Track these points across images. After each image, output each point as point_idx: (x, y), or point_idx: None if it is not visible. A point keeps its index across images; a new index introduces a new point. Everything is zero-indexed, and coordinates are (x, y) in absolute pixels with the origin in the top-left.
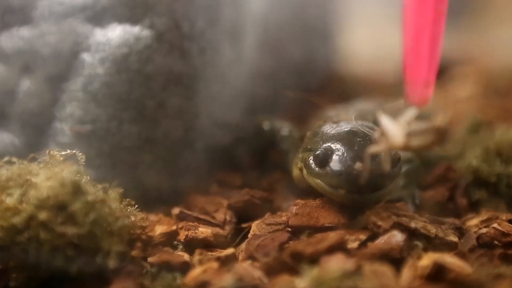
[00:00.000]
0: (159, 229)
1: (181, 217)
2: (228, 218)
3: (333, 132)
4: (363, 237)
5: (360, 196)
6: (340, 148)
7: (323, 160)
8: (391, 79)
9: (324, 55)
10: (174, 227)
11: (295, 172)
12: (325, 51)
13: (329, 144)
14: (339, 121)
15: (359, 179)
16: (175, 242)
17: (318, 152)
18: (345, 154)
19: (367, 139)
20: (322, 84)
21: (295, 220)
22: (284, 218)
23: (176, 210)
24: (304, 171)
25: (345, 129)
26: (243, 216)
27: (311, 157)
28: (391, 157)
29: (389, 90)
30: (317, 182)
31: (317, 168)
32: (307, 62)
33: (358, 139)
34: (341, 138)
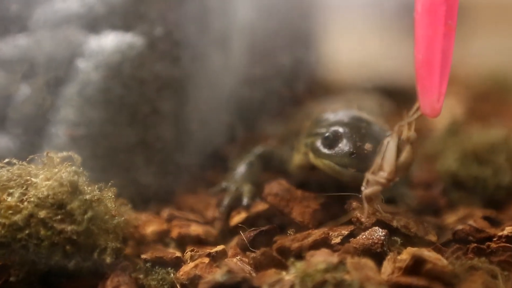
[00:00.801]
0: (151, 228)
1: (170, 219)
2: (216, 216)
3: (337, 117)
4: (345, 232)
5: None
6: (348, 130)
7: (333, 141)
8: (372, 85)
9: (309, 62)
10: (165, 226)
11: (298, 158)
12: (309, 58)
13: (337, 127)
14: (337, 110)
15: (368, 159)
16: (167, 240)
17: (327, 134)
18: (354, 136)
19: (370, 124)
20: (306, 89)
21: (272, 199)
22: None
23: (165, 213)
24: (310, 154)
25: (349, 115)
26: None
27: (319, 140)
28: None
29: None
30: (326, 163)
31: (326, 150)
32: (292, 68)
33: (363, 123)
34: (347, 122)
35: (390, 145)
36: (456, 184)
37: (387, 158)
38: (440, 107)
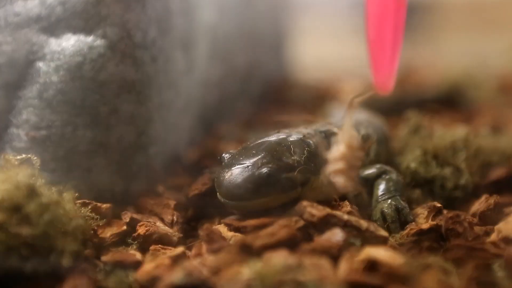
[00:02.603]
0: (111, 230)
1: (130, 221)
2: (175, 219)
3: None
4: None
5: None
6: None
7: None
8: (336, 86)
9: (273, 64)
10: (125, 228)
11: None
12: (274, 60)
13: None
14: None
15: None
16: (128, 242)
17: None
18: None
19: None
20: (270, 92)
21: None
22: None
23: (125, 215)
24: None
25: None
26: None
27: None
28: None
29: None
30: None
31: None
32: (256, 71)
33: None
34: None
35: (347, 121)
36: (415, 182)
37: (347, 135)
38: (392, 83)
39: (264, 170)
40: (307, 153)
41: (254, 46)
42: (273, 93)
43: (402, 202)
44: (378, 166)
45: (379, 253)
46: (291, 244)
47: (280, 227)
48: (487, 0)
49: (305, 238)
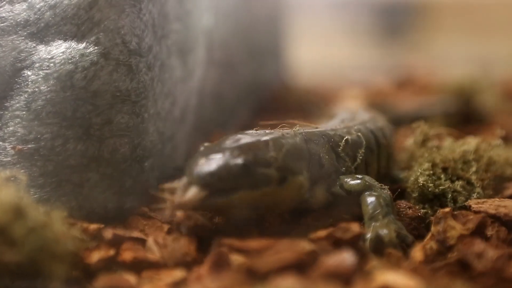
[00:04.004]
0: (102, 252)
1: (120, 241)
2: (167, 242)
3: None
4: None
5: None
6: None
7: None
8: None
9: (272, 69)
10: (117, 250)
11: None
12: (272, 65)
13: None
14: None
15: None
16: (119, 265)
17: None
18: None
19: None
20: (269, 98)
21: None
22: None
23: (108, 234)
24: None
25: None
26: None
27: None
28: None
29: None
30: None
31: None
32: (254, 76)
33: None
34: None
35: None
36: (424, 198)
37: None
38: None
39: (240, 160)
40: (286, 151)
41: (252, 51)
42: (272, 99)
43: (397, 222)
44: (364, 178)
45: (396, 278)
46: (299, 268)
47: (287, 250)
48: (482, 2)
49: (313, 262)
